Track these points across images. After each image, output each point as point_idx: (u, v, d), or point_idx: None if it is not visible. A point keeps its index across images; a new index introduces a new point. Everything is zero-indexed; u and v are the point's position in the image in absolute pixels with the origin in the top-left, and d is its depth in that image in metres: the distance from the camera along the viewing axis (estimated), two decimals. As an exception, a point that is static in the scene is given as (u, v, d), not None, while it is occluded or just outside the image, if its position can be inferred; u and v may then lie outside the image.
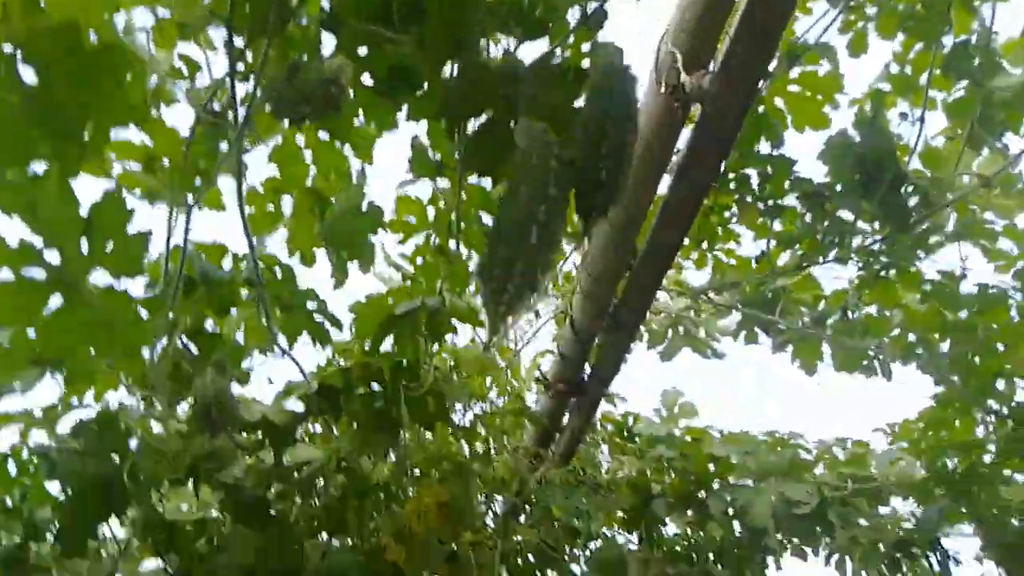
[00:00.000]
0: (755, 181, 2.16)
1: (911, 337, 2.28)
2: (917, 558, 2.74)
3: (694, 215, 1.73)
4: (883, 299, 2.26)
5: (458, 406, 3.10)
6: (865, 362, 2.41)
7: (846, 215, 2.10)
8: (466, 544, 3.07)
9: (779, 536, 3.20)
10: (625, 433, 3.54)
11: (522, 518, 3.00)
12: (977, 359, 2.19)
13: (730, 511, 3.08)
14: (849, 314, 2.40)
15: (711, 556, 3.30)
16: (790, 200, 2.21)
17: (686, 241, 2.53)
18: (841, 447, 2.94)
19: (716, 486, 3.16)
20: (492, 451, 3.39)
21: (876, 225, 2.10)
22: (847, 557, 2.83)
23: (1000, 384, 2.31)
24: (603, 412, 3.42)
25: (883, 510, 2.98)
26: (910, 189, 1.94)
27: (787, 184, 2.11)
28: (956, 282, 1.95)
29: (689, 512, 3.22)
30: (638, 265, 2.01)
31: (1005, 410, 2.32)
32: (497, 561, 2.93)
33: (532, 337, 3.29)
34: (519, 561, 3.08)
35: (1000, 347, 2.19)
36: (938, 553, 2.68)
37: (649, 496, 3.27)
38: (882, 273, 2.08)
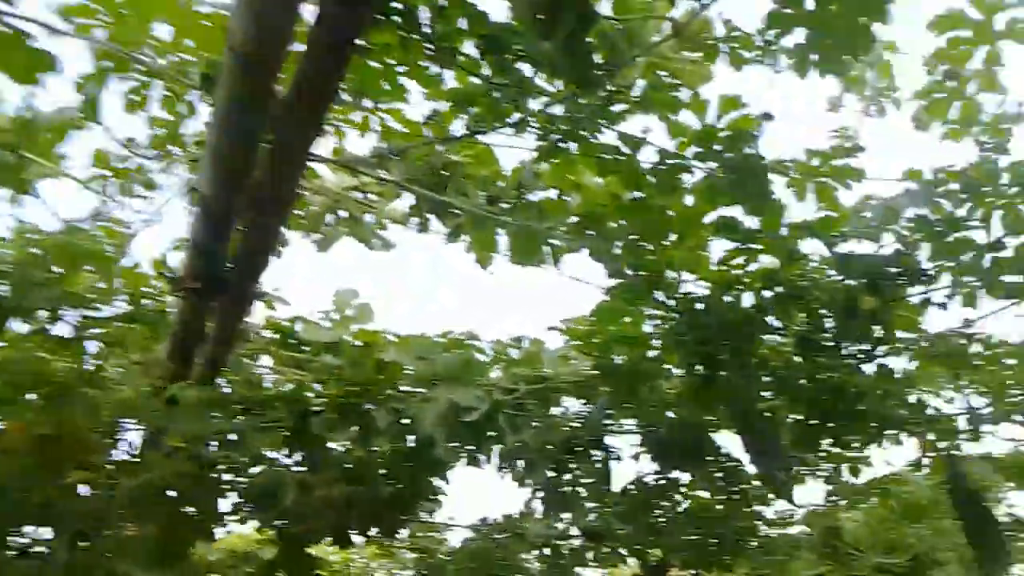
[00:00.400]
0: (424, 16, 1.70)
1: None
2: (583, 457, 2.61)
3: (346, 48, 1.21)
4: (562, 177, 1.99)
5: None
6: (542, 253, 2.15)
7: (527, 69, 1.75)
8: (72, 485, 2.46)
9: (452, 445, 2.95)
10: (292, 341, 2.97)
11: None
12: (650, 247, 2.02)
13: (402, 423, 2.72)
14: (526, 195, 2.10)
15: (383, 473, 2.94)
16: (469, 48, 1.80)
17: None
18: (517, 347, 2.68)
19: (388, 395, 2.77)
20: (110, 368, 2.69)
21: (558, 86, 1.80)
22: (517, 462, 2.62)
23: (670, 275, 2.18)
24: (267, 317, 2.85)
25: (556, 411, 2.81)
26: (597, 39, 1.65)
27: (463, 22, 1.69)
28: (635, 152, 1.74)
29: (355, 427, 2.80)
30: (282, 116, 1.42)
31: (672, 302, 2.21)
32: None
33: (154, 219, 2.52)
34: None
35: (672, 236, 2.05)
36: (602, 450, 2.57)
37: (307, 411, 2.78)
38: (561, 144, 1.79)
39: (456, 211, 2.17)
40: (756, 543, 3.34)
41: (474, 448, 2.84)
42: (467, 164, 2.14)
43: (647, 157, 1.73)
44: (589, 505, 3.08)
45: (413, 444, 2.79)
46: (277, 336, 2.86)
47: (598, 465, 2.59)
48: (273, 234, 2.11)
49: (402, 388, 2.78)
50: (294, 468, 2.91)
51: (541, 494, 2.50)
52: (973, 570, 5.31)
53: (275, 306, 2.86)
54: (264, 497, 2.86)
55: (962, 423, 2.35)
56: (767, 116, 1.59)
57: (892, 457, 3.35)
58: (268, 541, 2.98)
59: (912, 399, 2.31)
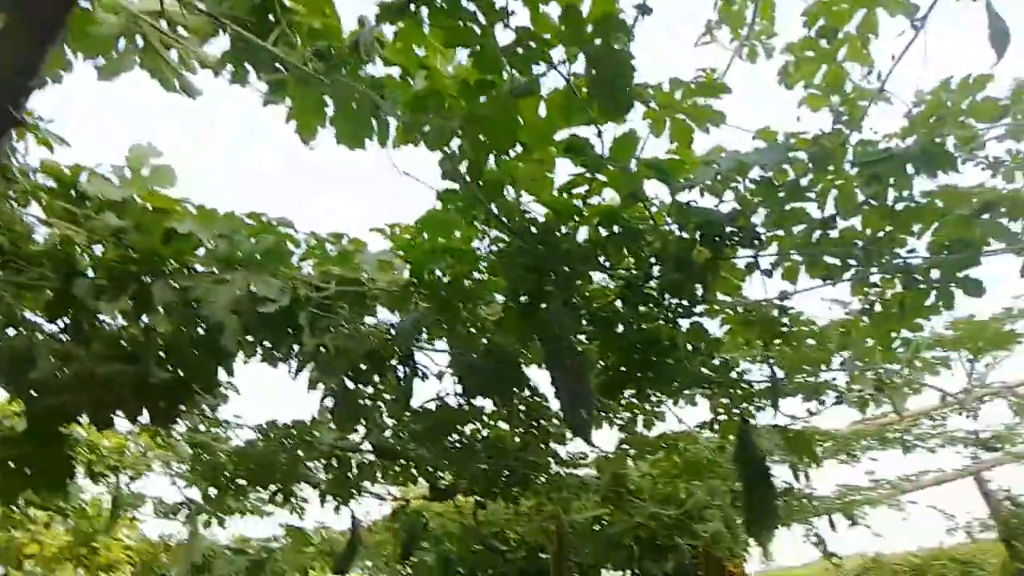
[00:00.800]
0: None
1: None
2: (387, 370, 2.41)
3: None
4: (408, 53, 1.71)
5: None
6: (372, 133, 1.88)
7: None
8: None
9: (249, 338, 2.66)
10: (72, 193, 2.51)
11: None
12: (491, 156, 1.82)
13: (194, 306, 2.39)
14: (364, 63, 1.80)
15: (164, 357, 2.61)
16: None
17: None
18: (335, 243, 2.41)
19: (174, 270, 2.42)
20: None
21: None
22: (311, 364, 2.37)
23: (509, 192, 2.00)
24: (43, 160, 2.39)
25: (367, 320, 2.58)
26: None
27: None
28: (493, 26, 1.51)
29: (129, 300, 2.43)
30: None
31: (507, 220, 2.04)
32: None
33: None
34: None
35: (519, 147, 1.87)
36: (408, 366, 2.38)
37: (75, 273, 2.38)
38: (411, 4, 1.51)
39: (279, 65, 1.83)
40: (545, 479, 3.36)
41: (270, 345, 2.58)
42: (298, 11, 1.78)
43: (507, 39, 1.51)
44: (387, 421, 2.93)
45: (202, 331, 2.48)
46: (55, 184, 2.40)
47: (401, 381, 2.41)
48: (38, 42, 1.68)
49: (197, 267, 2.44)
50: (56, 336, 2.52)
51: (334, 402, 2.29)
52: (735, 529, 5.81)
53: (53, 147, 2.40)
54: (16, 363, 2.46)
55: (759, 391, 2.42)
56: (643, 8, 1.41)
57: (686, 416, 3.48)
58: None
59: (718, 361, 2.31)
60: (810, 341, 2.57)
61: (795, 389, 3.23)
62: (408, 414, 2.55)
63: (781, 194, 2.01)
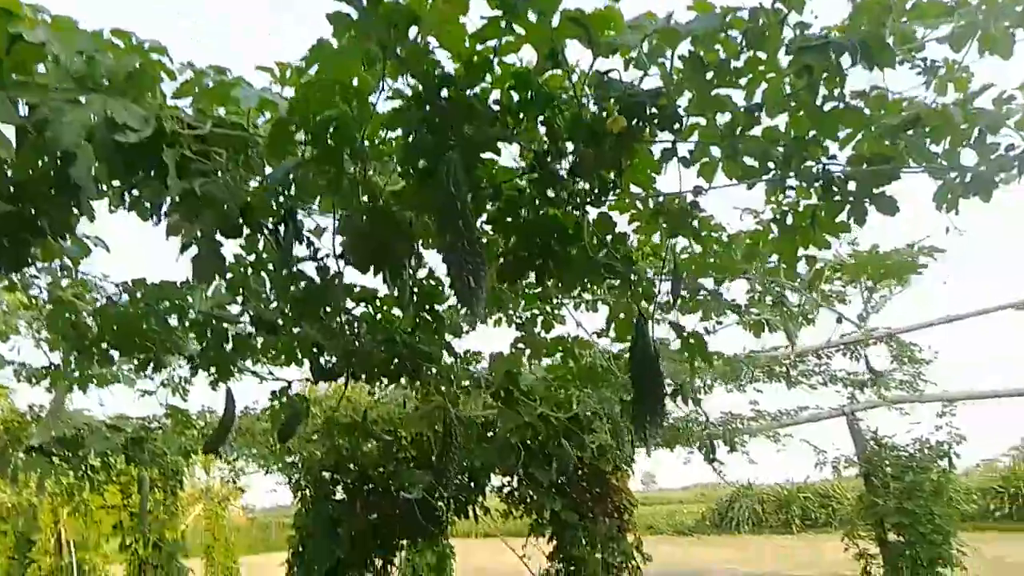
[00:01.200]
0: None
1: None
2: (262, 228, 2.17)
3: None
4: None
5: None
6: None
7: None
8: None
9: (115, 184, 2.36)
10: None
11: None
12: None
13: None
14: None
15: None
16: None
17: None
18: (216, 77, 2.11)
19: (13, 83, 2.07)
20: None
21: None
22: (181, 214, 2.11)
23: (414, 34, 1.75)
24: None
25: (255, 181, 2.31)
26: None
27: None
28: None
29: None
30: None
31: (409, 67, 1.80)
32: None
33: None
34: None
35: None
36: (288, 226, 2.14)
37: None
38: None
39: None
40: (436, 371, 3.23)
41: (126, 183, 2.27)
42: None
43: None
44: (268, 292, 2.70)
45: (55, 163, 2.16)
46: None
47: (281, 242, 2.18)
48: None
49: (44, 85, 2.09)
50: None
51: (196, 253, 2.04)
52: (622, 444, 5.93)
53: None
54: None
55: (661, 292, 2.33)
56: None
57: (585, 321, 3.40)
58: None
59: (622, 255, 2.19)
60: (716, 248, 2.49)
61: (694, 306, 3.19)
62: (294, 288, 2.33)
63: (709, 75, 1.85)
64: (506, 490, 7.08)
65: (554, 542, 7.02)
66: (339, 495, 7.29)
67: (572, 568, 6.80)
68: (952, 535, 7.90)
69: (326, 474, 7.27)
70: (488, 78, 1.93)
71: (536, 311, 3.12)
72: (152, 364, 3.21)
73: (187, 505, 13.33)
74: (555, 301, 3.02)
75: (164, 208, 2.30)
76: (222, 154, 2.22)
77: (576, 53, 1.89)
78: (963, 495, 9.91)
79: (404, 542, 7.73)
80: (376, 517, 7.07)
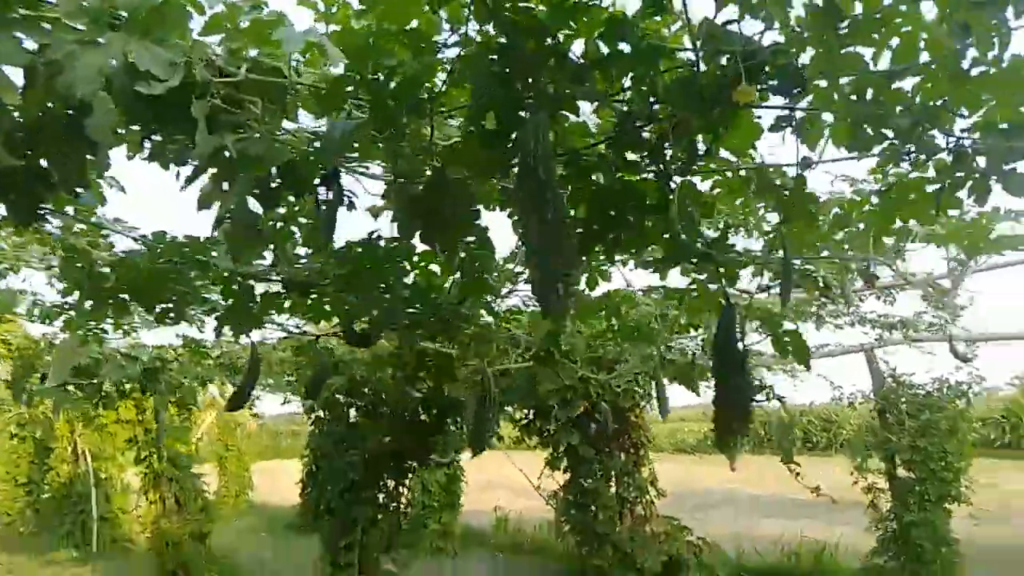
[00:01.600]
0: None
1: None
2: (305, 190, 1.91)
3: None
4: None
5: None
6: None
7: None
8: None
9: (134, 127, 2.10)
10: None
11: None
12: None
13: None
14: None
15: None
16: None
17: None
18: (253, 13, 1.81)
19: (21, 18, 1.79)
20: None
21: None
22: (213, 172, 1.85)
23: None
24: None
25: (287, 124, 2.04)
26: None
27: None
28: None
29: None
30: None
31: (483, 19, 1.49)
32: None
33: None
34: None
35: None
36: (332, 189, 1.88)
37: None
38: None
39: None
40: (474, 329, 3.03)
41: (156, 139, 2.00)
42: None
43: None
44: (299, 252, 2.45)
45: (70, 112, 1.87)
46: None
47: (322, 207, 1.92)
48: None
49: (56, 19, 1.78)
50: None
51: (231, 223, 1.78)
52: (646, 386, 5.79)
53: None
54: None
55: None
56: None
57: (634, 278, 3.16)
58: None
59: (709, 231, 1.93)
60: (817, 223, 2.22)
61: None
62: (328, 248, 2.08)
63: (843, 28, 1.55)
64: (523, 422, 7.02)
65: (568, 474, 7.04)
66: (353, 418, 7.25)
67: (585, 500, 6.84)
68: (963, 472, 7.94)
69: (340, 397, 7.20)
70: (573, 24, 1.63)
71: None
72: (173, 316, 3.01)
73: (201, 412, 13.45)
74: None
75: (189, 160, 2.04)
76: (256, 103, 1.93)
77: (681, -2, 1.58)
78: (969, 426, 9.85)
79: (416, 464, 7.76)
80: (390, 440, 7.05)
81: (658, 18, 1.58)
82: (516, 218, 1.43)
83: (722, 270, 1.89)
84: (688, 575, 6.67)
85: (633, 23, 1.60)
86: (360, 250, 2.10)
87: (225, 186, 1.76)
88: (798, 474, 7.60)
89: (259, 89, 1.84)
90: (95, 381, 5.65)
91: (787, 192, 1.87)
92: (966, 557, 7.77)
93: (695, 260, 1.88)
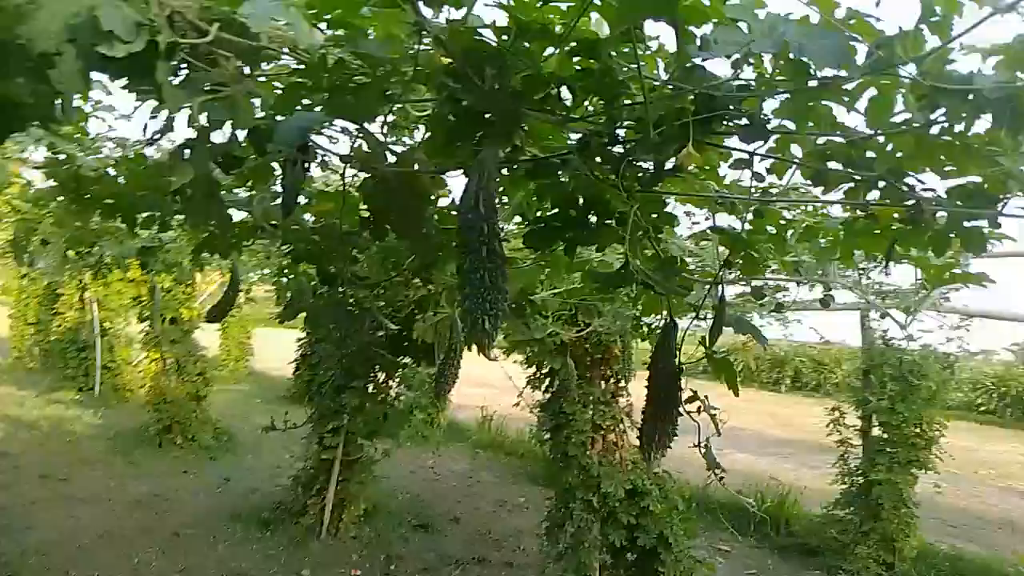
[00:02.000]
0: None
1: None
2: (277, 158, 1.95)
3: None
4: None
5: None
6: None
7: None
8: None
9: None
10: None
11: None
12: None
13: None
14: None
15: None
16: None
17: None
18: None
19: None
20: None
21: None
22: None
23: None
24: None
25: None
26: None
27: None
28: None
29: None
30: None
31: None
32: None
33: None
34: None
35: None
36: (299, 159, 1.91)
37: None
38: None
39: None
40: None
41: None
42: None
43: None
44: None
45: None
46: None
47: (286, 178, 1.95)
48: None
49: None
50: None
51: (195, 199, 1.82)
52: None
53: None
54: None
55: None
56: None
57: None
58: None
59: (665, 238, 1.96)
60: (770, 229, 2.23)
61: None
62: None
63: (813, 83, 1.51)
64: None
65: (548, 394, 7.31)
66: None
67: (561, 421, 7.12)
68: (934, 443, 8.11)
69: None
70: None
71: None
72: (158, 225, 3.09)
73: (207, 274, 13.80)
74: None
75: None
76: (230, 58, 1.92)
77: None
78: (948, 395, 9.90)
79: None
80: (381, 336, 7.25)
81: (626, 50, 1.54)
82: (455, 244, 1.47)
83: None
84: (648, 502, 7.00)
85: (608, 46, 1.57)
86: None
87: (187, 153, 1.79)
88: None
89: (228, 47, 1.83)
90: (94, 252, 5.80)
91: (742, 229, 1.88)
92: (923, 520, 8.09)
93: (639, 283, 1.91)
